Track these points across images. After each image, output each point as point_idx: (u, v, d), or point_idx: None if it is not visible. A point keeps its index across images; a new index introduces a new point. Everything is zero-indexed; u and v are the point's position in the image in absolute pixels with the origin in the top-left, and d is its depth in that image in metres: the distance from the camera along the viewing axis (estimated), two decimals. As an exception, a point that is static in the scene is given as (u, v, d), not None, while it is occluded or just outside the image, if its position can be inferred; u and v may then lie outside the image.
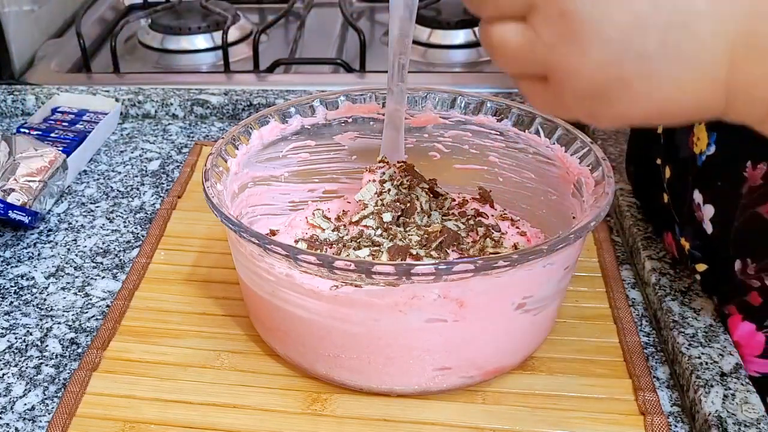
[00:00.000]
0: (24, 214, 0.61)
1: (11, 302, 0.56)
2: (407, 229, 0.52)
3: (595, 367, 0.50)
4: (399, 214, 0.53)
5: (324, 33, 1.04)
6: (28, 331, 0.54)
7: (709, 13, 0.29)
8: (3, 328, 0.54)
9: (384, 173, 0.56)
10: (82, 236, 0.63)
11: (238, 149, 0.53)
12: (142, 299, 0.56)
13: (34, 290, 0.57)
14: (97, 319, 0.55)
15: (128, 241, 0.62)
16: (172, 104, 0.81)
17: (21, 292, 0.57)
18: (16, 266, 0.60)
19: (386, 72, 0.54)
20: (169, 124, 0.80)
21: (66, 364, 0.51)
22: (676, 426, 0.46)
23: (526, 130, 0.55)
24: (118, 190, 0.69)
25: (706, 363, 0.48)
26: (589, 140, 0.52)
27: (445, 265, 0.41)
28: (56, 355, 0.52)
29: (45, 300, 0.56)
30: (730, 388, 0.46)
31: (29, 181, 0.62)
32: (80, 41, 0.91)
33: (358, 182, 0.57)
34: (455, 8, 1.01)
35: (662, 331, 0.52)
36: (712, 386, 0.46)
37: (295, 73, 0.93)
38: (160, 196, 0.68)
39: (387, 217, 0.52)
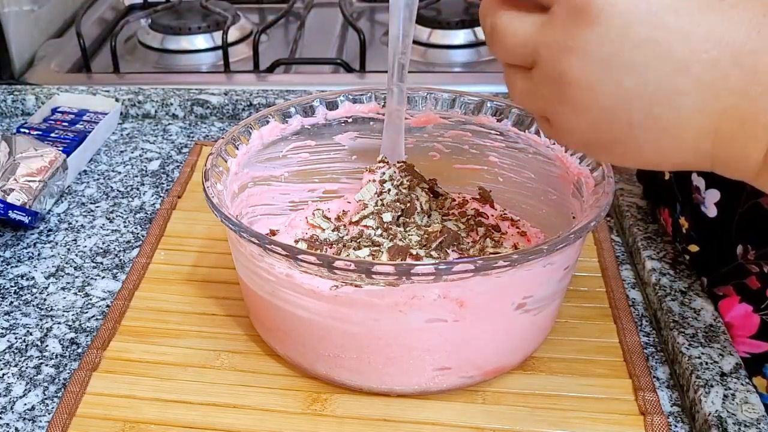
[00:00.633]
0: (24, 214, 0.61)
1: (11, 302, 0.56)
2: (407, 229, 0.52)
3: (595, 367, 0.50)
4: (399, 214, 0.53)
5: (324, 33, 1.04)
6: (28, 331, 0.54)
7: (692, 93, 0.31)
8: (3, 328, 0.54)
9: (384, 173, 0.56)
10: (82, 236, 0.63)
11: (238, 149, 0.53)
12: (142, 299, 0.56)
13: (34, 290, 0.57)
14: (97, 319, 0.55)
15: (128, 241, 0.62)
16: (172, 104, 0.81)
17: (21, 292, 0.57)
18: (16, 266, 0.60)
19: (386, 72, 0.54)
20: (169, 124, 0.80)
21: (66, 364, 0.51)
22: (676, 426, 0.46)
23: (526, 130, 0.55)
24: (118, 190, 0.69)
25: (706, 363, 0.48)
26: (589, 140, 0.52)
27: (445, 265, 0.41)
28: (56, 355, 0.52)
29: (45, 300, 0.56)
30: (730, 388, 0.46)
31: (29, 181, 0.62)
32: (80, 41, 0.91)
33: (358, 182, 0.57)
34: (455, 8, 1.01)
35: (662, 331, 0.52)
36: (712, 386, 0.46)
37: (295, 73, 0.93)
38: (160, 196, 0.68)
39: (387, 217, 0.52)
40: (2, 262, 0.60)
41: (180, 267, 0.59)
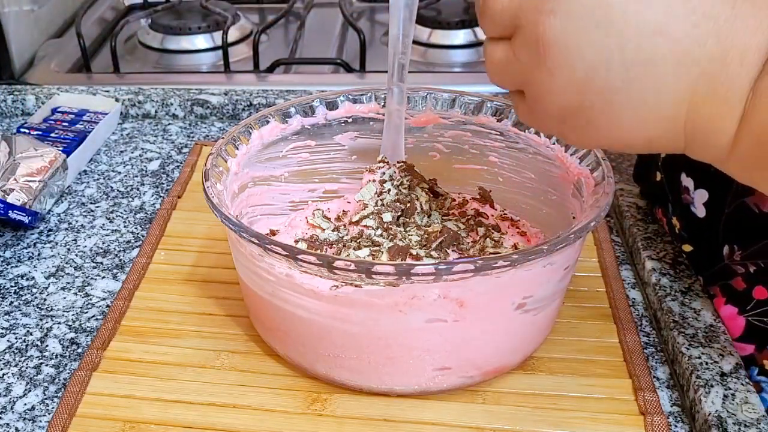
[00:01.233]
0: (24, 214, 0.61)
1: (11, 302, 0.56)
2: (407, 229, 0.52)
3: (595, 367, 0.50)
4: (399, 214, 0.53)
5: (324, 33, 1.04)
6: (28, 331, 0.54)
7: (672, 56, 0.32)
8: (3, 328, 0.54)
9: (384, 173, 0.56)
10: (82, 236, 0.63)
11: (238, 149, 0.53)
12: (142, 299, 0.56)
13: (34, 290, 0.57)
14: (97, 319, 0.55)
15: (128, 241, 0.62)
16: (172, 104, 0.81)
17: (21, 292, 0.57)
18: (16, 266, 0.60)
19: (386, 72, 0.54)
20: (169, 124, 0.80)
21: (66, 364, 0.51)
22: (676, 426, 0.46)
23: (526, 130, 0.55)
24: (118, 190, 0.69)
25: (706, 363, 0.48)
26: (589, 140, 0.52)
27: (445, 265, 0.41)
28: (56, 355, 0.52)
29: (45, 300, 0.56)
30: (730, 388, 0.46)
31: (29, 181, 0.62)
32: (80, 41, 0.91)
33: (358, 182, 0.57)
34: (455, 8, 1.01)
35: (662, 331, 0.52)
36: (712, 386, 0.46)
37: (295, 73, 0.93)
38: (160, 196, 0.68)
39: (387, 217, 0.52)
40: (2, 262, 0.60)
41: (180, 267, 0.59)
